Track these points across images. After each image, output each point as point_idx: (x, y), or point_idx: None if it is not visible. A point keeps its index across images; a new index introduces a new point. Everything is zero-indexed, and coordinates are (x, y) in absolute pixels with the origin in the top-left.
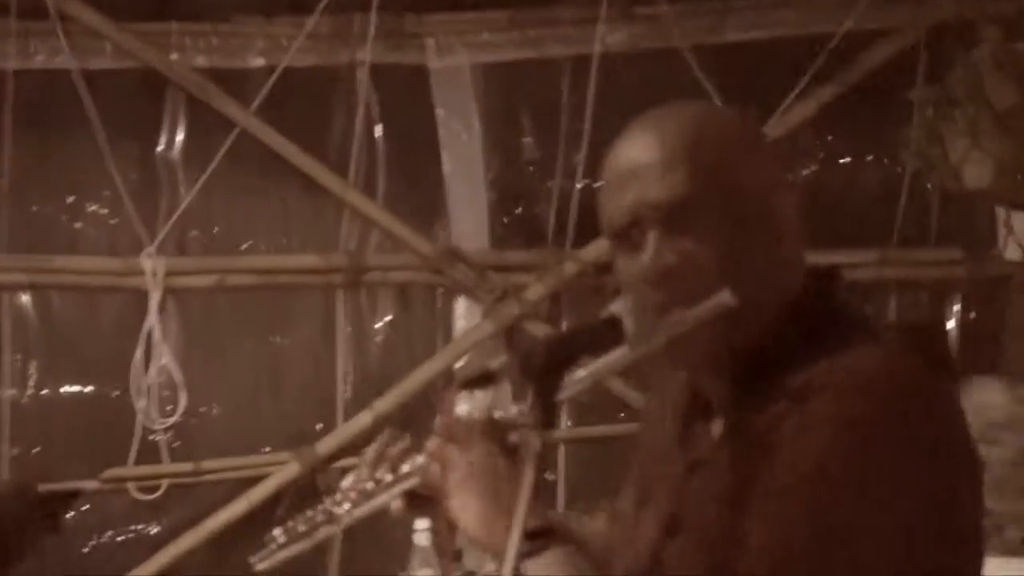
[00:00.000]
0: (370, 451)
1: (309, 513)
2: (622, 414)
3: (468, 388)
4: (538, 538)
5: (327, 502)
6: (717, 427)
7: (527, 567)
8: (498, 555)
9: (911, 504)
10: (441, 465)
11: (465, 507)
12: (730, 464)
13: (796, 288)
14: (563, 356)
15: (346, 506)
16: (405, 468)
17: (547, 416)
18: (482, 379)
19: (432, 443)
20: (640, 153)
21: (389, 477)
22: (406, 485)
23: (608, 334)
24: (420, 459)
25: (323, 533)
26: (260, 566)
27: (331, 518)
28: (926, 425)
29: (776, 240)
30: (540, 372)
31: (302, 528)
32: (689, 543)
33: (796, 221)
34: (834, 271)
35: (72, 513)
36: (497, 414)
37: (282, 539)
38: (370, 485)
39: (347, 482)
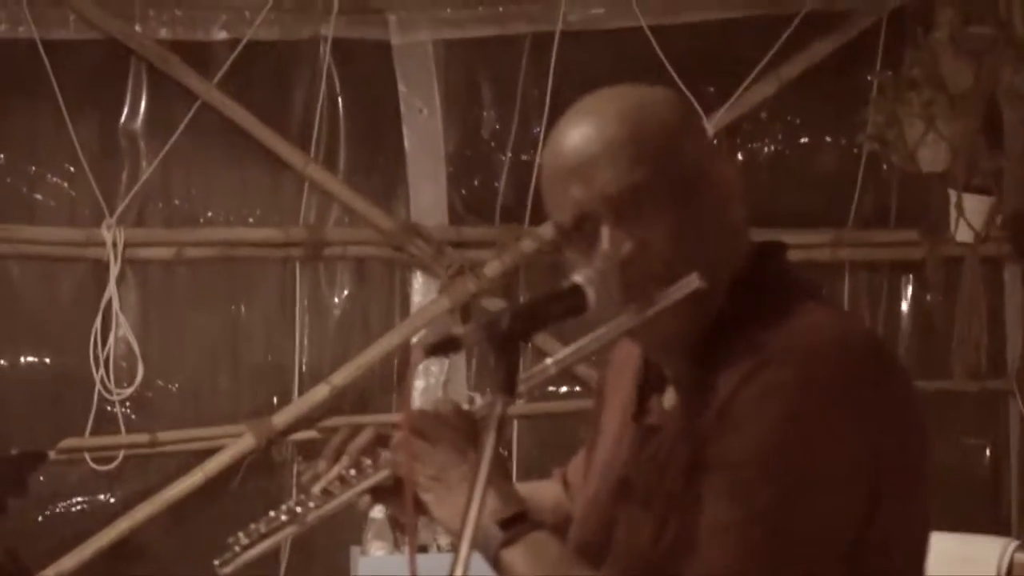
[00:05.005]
0: (328, 449)
1: (272, 513)
2: (577, 388)
3: (432, 354)
4: (513, 525)
5: (290, 502)
6: (670, 397)
7: (505, 555)
8: (475, 543)
9: (877, 464)
10: (411, 459)
11: (441, 502)
12: (686, 432)
13: (745, 255)
14: (527, 323)
15: (311, 504)
16: (368, 463)
17: (511, 382)
18: (446, 345)
19: (399, 437)
20: (580, 146)
21: (353, 473)
22: (374, 481)
23: (571, 302)
24: (386, 455)
25: (287, 533)
26: (225, 570)
27: (294, 518)
28: (884, 385)
29: (723, 206)
30: (504, 339)
31: (264, 529)
32: (640, 508)
33: (737, 183)
34: (778, 242)
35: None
36: (464, 405)
37: (244, 541)
38: (335, 484)
39: (317, 487)
